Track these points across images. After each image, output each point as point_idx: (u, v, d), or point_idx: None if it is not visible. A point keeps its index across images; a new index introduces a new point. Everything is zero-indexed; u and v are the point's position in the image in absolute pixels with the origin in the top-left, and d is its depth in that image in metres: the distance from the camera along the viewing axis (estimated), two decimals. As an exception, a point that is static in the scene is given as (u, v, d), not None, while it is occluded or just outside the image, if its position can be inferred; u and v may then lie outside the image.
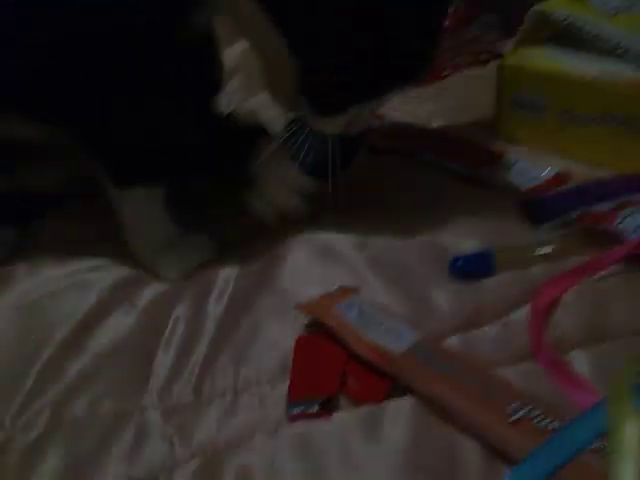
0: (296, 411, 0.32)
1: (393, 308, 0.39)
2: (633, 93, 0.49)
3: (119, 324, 0.43)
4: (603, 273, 0.40)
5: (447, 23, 0.86)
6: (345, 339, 0.35)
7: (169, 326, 0.42)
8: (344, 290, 0.40)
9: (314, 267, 0.44)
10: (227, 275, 0.46)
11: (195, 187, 0.55)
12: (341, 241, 0.46)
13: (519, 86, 0.57)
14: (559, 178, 0.52)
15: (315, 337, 0.37)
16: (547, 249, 0.42)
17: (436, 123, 0.65)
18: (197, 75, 0.47)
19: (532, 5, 0.66)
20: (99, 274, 0.47)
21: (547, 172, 0.53)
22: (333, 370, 0.34)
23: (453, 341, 0.37)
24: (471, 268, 0.41)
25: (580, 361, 0.35)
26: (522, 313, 0.38)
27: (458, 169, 0.54)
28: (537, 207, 0.47)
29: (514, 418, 0.29)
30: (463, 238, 0.45)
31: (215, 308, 0.42)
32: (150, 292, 0.46)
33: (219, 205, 0.53)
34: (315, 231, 0.48)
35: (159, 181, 0.49)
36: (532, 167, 0.54)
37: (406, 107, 0.68)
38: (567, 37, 0.56)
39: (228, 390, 0.35)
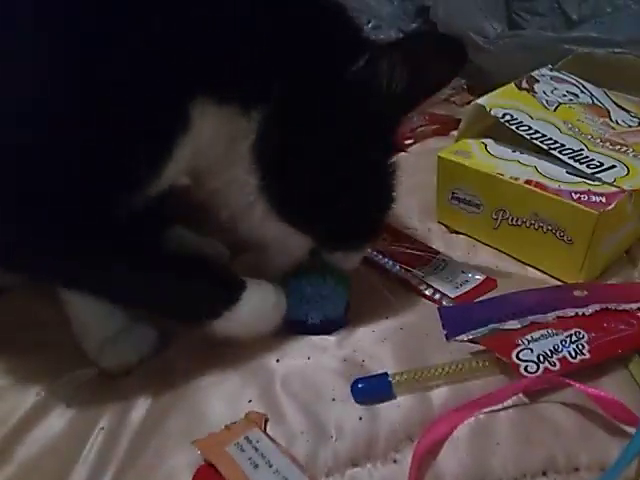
0: None
1: (296, 439, 0.40)
2: (561, 204, 0.50)
3: (50, 429, 0.45)
4: (495, 408, 0.40)
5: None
6: (231, 485, 0.36)
7: (92, 437, 0.44)
8: (250, 418, 0.41)
9: (230, 384, 0.45)
10: (150, 381, 0.47)
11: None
12: (263, 360, 0.47)
13: (457, 181, 0.58)
14: (486, 285, 0.53)
15: (213, 470, 0.38)
16: (447, 369, 0.43)
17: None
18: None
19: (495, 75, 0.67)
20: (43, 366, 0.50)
21: (475, 277, 0.53)
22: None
23: (340, 482, 0.38)
24: (371, 391, 0.42)
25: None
26: (413, 447, 0.39)
27: (393, 269, 0.55)
28: (450, 319, 0.47)
29: None
30: (379, 350, 0.46)
31: (133, 423, 0.44)
32: (85, 392, 0.48)
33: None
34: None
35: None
36: (462, 271, 0.54)
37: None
38: (507, 130, 0.56)
39: (122, 528, 0.37)
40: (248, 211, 0.44)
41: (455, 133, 0.77)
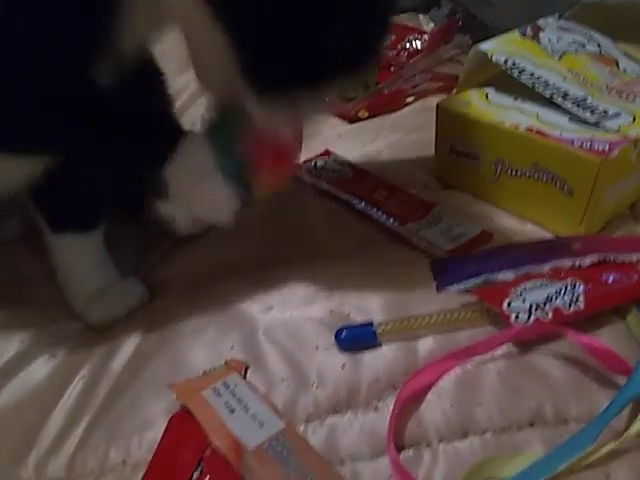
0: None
1: (275, 385, 0.39)
2: (562, 152, 0.47)
3: (32, 377, 0.44)
4: (482, 358, 0.39)
5: (422, 44, 0.85)
6: (205, 429, 0.35)
7: (72, 385, 0.43)
8: (230, 365, 0.40)
9: (213, 330, 0.45)
10: (134, 331, 0.47)
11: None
12: (247, 303, 0.47)
13: (455, 132, 0.55)
14: (482, 238, 0.51)
15: (189, 416, 0.37)
16: (434, 318, 0.41)
17: (381, 162, 0.64)
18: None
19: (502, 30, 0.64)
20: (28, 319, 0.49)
21: (471, 230, 0.51)
22: (192, 459, 0.35)
23: (320, 430, 0.37)
24: (355, 339, 0.41)
25: (437, 456, 0.35)
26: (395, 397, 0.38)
27: (386, 222, 0.54)
28: (442, 270, 0.46)
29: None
30: (368, 302, 0.45)
31: (113, 371, 0.44)
32: (70, 342, 0.47)
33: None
34: (225, 289, 0.48)
35: (94, 226, 0.50)
36: (458, 224, 0.52)
37: (358, 141, 0.68)
38: (510, 77, 0.54)
39: (95, 470, 0.37)
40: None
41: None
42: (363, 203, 0.56)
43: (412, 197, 0.56)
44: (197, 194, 0.42)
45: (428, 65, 0.83)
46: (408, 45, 0.86)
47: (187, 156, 0.41)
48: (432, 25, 0.96)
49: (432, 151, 0.60)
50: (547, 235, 0.51)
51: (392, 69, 0.83)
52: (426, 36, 0.86)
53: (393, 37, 0.89)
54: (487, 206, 0.55)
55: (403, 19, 0.98)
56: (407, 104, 0.76)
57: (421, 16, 1.00)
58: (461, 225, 0.52)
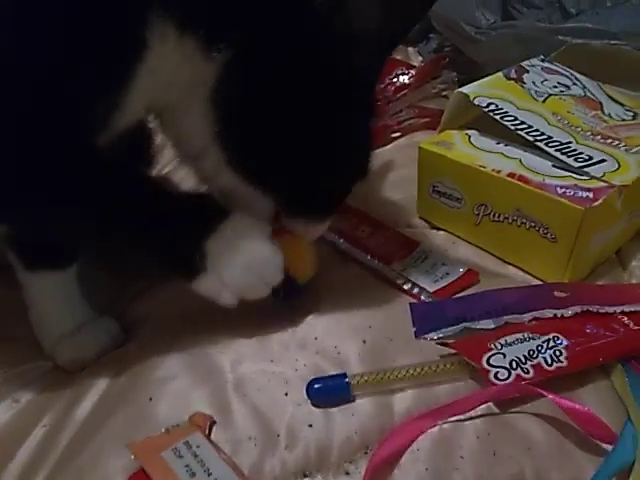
0: None
1: (242, 444, 0.37)
2: (545, 199, 0.46)
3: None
4: (461, 417, 0.37)
5: (409, 79, 0.85)
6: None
7: (33, 434, 0.41)
8: (194, 421, 0.38)
9: (181, 381, 0.42)
10: (102, 376, 0.45)
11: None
12: (218, 353, 0.44)
13: (437, 174, 0.54)
14: (468, 278, 0.49)
15: (146, 477, 0.35)
16: (411, 371, 0.39)
17: (365, 198, 0.63)
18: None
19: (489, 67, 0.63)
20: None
21: (457, 270, 0.50)
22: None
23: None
24: (328, 392, 0.39)
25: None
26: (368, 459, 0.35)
27: (371, 264, 0.52)
28: (421, 316, 0.44)
29: None
30: (344, 351, 0.43)
31: (76, 421, 0.42)
32: (36, 387, 0.45)
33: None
34: (198, 334, 0.46)
35: (68, 264, 0.48)
36: (443, 263, 0.51)
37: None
38: (492, 122, 0.53)
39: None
40: (202, 156, 0.41)
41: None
42: (347, 243, 0.55)
43: (396, 234, 0.55)
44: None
45: (415, 100, 0.82)
46: (395, 79, 0.86)
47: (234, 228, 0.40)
48: (420, 59, 0.96)
49: (413, 191, 0.58)
50: (532, 280, 0.50)
51: (378, 103, 0.82)
52: (413, 72, 0.86)
53: (380, 71, 0.89)
54: (470, 247, 0.54)
55: (391, 52, 0.98)
56: (392, 140, 0.75)
57: (410, 49, 1.00)
58: (446, 264, 0.51)
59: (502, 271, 0.51)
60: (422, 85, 0.84)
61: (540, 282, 0.49)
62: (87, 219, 0.40)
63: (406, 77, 0.86)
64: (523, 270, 0.50)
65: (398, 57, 0.95)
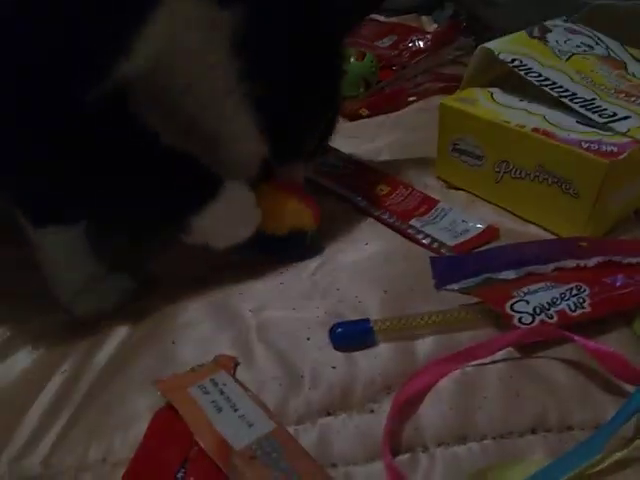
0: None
1: (266, 384, 0.38)
2: (569, 153, 0.46)
3: (12, 370, 0.42)
4: (483, 360, 0.37)
5: (425, 44, 0.84)
6: (190, 428, 0.33)
7: (53, 379, 0.41)
8: (219, 361, 0.39)
9: (203, 327, 0.43)
10: (121, 325, 0.45)
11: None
12: (239, 301, 0.45)
13: (458, 131, 0.54)
14: (488, 234, 0.49)
15: (174, 413, 0.35)
16: (434, 318, 0.40)
17: (382, 159, 0.63)
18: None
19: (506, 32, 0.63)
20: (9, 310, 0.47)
21: (477, 226, 0.50)
22: (176, 458, 0.33)
23: (312, 431, 0.35)
24: (351, 336, 0.40)
25: (435, 461, 0.33)
26: (392, 398, 0.36)
27: (389, 220, 0.52)
28: (441, 268, 0.44)
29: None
30: (365, 300, 0.44)
31: (96, 365, 0.42)
32: (53, 335, 0.45)
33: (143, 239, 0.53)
34: (217, 286, 0.47)
35: (77, 220, 0.48)
36: (463, 220, 0.51)
37: (358, 139, 0.67)
38: (515, 78, 0.52)
39: (72, 468, 0.34)
40: (224, 99, 0.41)
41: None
42: (365, 201, 0.55)
43: (414, 192, 0.55)
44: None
45: (430, 66, 0.81)
46: (411, 45, 0.85)
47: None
48: (435, 26, 0.95)
49: (433, 151, 0.58)
50: (551, 237, 0.49)
51: (394, 68, 0.82)
52: (429, 36, 0.85)
53: (396, 37, 0.88)
54: (490, 206, 0.54)
55: (406, 20, 0.97)
56: (409, 104, 0.75)
57: (424, 17, 0.99)
58: (466, 221, 0.51)
59: (522, 229, 0.51)
60: (438, 51, 0.83)
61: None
62: (87, 172, 0.40)
63: (421, 42, 0.85)
64: (543, 228, 0.50)
65: (413, 25, 0.95)
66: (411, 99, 0.75)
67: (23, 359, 0.43)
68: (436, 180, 0.58)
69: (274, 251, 0.49)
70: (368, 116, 0.72)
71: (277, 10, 0.40)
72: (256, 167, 0.46)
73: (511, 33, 0.60)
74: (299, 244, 0.49)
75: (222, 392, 0.36)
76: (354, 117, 0.72)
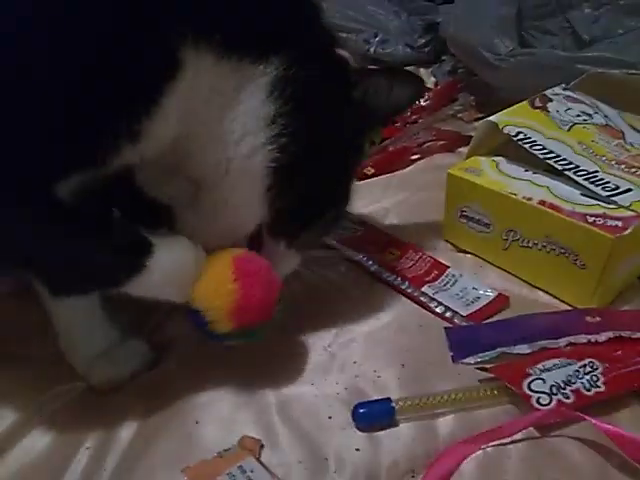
0: None
1: (292, 468, 0.38)
2: (576, 227, 0.48)
3: (33, 448, 0.42)
4: (505, 441, 0.38)
5: (426, 102, 0.87)
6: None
7: (76, 457, 0.41)
8: (244, 445, 0.39)
9: (224, 405, 0.43)
10: (141, 398, 0.45)
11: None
12: (260, 382, 0.45)
13: (466, 199, 0.56)
14: (499, 302, 0.51)
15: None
16: (453, 396, 0.41)
17: (389, 221, 0.65)
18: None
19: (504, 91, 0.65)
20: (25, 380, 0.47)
21: (487, 294, 0.52)
22: None
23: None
24: (373, 416, 0.40)
25: None
26: (417, 481, 0.37)
27: (402, 286, 0.54)
28: (457, 341, 0.45)
29: None
30: (383, 375, 0.45)
31: (121, 442, 0.42)
32: (71, 409, 0.45)
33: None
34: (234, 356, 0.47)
35: (95, 289, 0.48)
36: (473, 287, 0.53)
37: (366, 200, 0.68)
38: (518, 149, 0.55)
39: None
40: (243, 161, 0.41)
41: (462, 150, 0.76)
42: (376, 265, 0.56)
43: (424, 257, 0.57)
44: None
45: (432, 122, 0.84)
46: (412, 102, 0.88)
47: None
48: (433, 79, 0.98)
49: (440, 212, 0.60)
50: (559, 305, 0.51)
51: (397, 125, 0.84)
52: (430, 94, 0.88)
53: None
54: (498, 271, 0.55)
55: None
56: (412, 162, 0.77)
57: (422, 70, 1.02)
58: (477, 288, 0.52)
59: (530, 295, 0.52)
60: (439, 108, 0.86)
61: (568, 307, 0.51)
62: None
63: (422, 100, 0.88)
64: (551, 295, 0.52)
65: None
66: (414, 157, 0.77)
67: (42, 436, 0.43)
68: (444, 242, 0.60)
69: (195, 324, 0.44)
70: (373, 175, 0.74)
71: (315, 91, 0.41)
72: (247, 232, 0.45)
73: (509, 92, 0.63)
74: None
75: (249, 478, 0.36)
76: (360, 177, 0.74)
